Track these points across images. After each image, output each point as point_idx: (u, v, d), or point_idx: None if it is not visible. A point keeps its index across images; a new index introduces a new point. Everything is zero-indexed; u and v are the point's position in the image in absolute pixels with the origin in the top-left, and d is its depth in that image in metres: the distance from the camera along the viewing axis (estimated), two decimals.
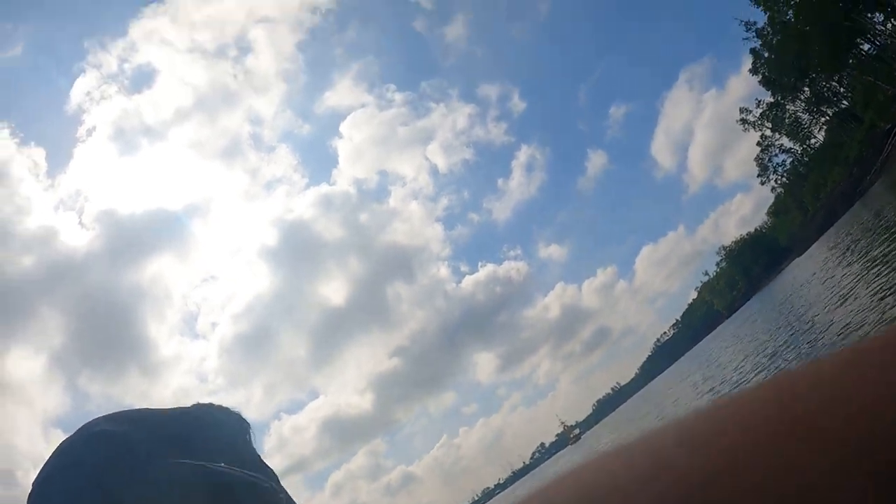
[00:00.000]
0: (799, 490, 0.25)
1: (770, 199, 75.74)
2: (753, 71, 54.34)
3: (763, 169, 64.96)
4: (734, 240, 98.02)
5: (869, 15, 42.67)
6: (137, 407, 0.73)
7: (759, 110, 58.77)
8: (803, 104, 56.56)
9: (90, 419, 0.69)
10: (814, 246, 45.45)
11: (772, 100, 56.90)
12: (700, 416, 0.25)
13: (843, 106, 52.81)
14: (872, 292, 8.79)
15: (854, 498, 0.24)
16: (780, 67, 51.80)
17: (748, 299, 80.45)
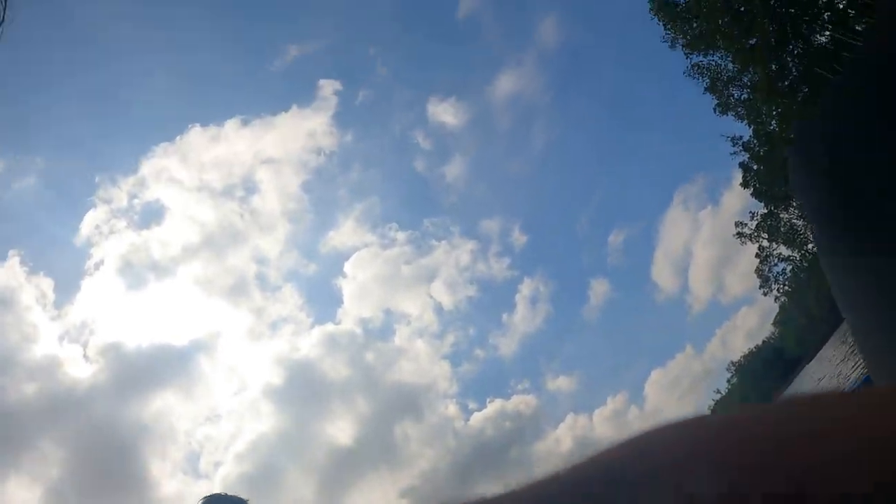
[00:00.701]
0: None
1: (774, 309, 71.82)
2: (744, 184, 52.07)
3: (764, 280, 61.54)
4: (743, 354, 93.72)
5: None
6: None
7: (755, 222, 56.73)
8: (796, 211, 54.68)
9: None
10: (824, 348, 44.71)
11: (765, 210, 55.32)
12: None
13: None
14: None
15: None
16: (770, 177, 50.32)
17: None
